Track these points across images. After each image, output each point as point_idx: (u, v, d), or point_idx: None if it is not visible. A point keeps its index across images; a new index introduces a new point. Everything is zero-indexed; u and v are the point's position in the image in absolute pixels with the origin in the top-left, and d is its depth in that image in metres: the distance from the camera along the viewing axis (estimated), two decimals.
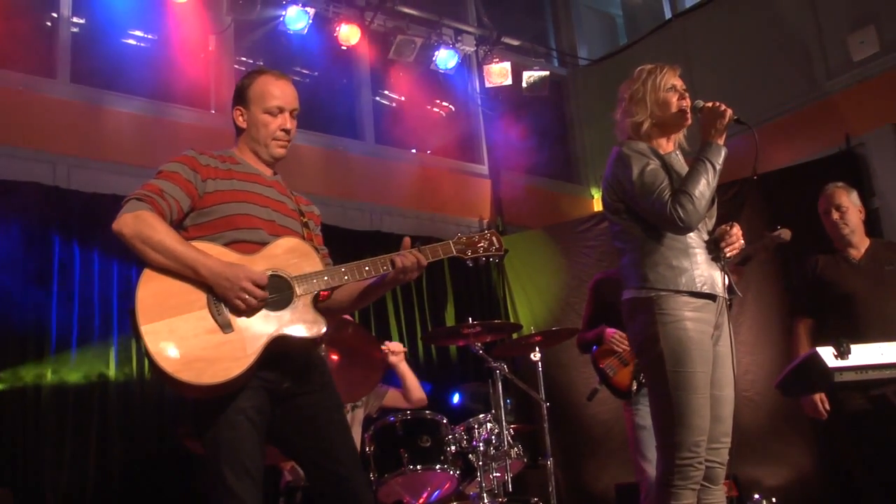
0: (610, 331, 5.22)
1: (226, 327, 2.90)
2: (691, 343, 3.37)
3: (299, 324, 3.00)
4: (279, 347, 2.96)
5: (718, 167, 3.46)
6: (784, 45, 8.06)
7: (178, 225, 3.07)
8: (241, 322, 2.92)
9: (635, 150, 3.57)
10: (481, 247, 3.41)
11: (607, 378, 5.21)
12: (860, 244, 4.98)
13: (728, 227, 3.59)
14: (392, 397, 5.66)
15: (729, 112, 3.48)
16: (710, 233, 3.65)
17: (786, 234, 4.94)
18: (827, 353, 3.86)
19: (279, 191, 3.31)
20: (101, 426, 5.91)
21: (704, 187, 3.41)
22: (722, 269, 3.56)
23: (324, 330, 3.03)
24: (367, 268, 3.14)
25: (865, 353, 3.88)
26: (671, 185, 3.46)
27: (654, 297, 3.43)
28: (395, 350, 5.59)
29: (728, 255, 3.57)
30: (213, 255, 2.95)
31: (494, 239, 3.45)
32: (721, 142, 3.50)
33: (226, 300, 2.91)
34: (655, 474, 3.51)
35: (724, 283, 3.53)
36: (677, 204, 3.38)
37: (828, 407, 4.77)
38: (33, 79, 6.72)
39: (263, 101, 3.25)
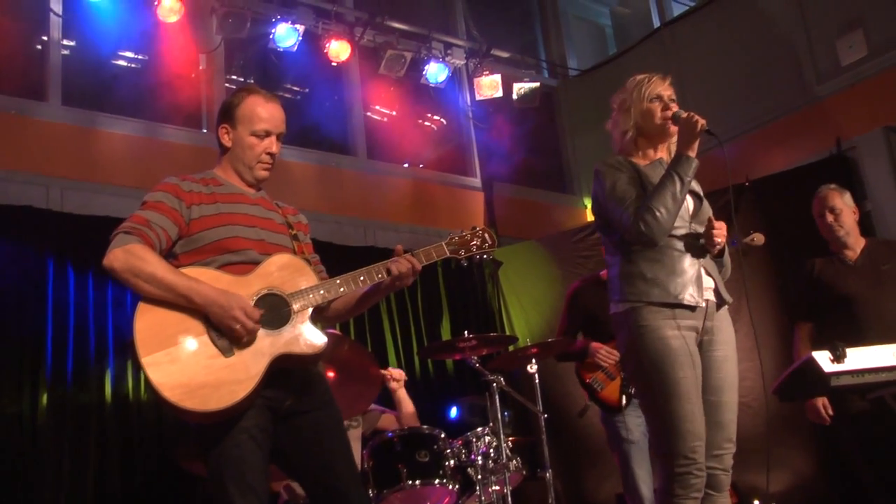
0: (595, 345, 5.21)
1: (226, 351, 2.90)
2: (670, 351, 3.38)
3: (299, 340, 3.01)
4: (281, 365, 2.96)
5: (687, 179, 3.45)
6: (773, 50, 8.09)
7: (167, 253, 3.07)
8: (241, 344, 2.92)
9: (609, 164, 3.62)
10: (474, 245, 3.43)
11: (594, 393, 5.19)
12: (856, 245, 4.98)
13: (708, 224, 3.60)
14: (386, 421, 5.66)
15: (701, 122, 3.48)
16: (699, 236, 3.64)
17: (759, 238, 4.94)
18: (823, 358, 3.85)
19: (265, 207, 3.30)
20: (98, 449, 5.87)
21: (669, 201, 3.41)
22: (709, 274, 3.56)
23: (324, 344, 3.04)
24: (362, 277, 3.16)
25: (861, 357, 3.87)
26: (641, 198, 3.47)
27: (630, 310, 3.47)
28: (396, 377, 5.65)
29: (715, 247, 3.57)
30: (205, 280, 2.95)
31: (487, 235, 3.47)
32: (692, 153, 3.50)
33: (220, 326, 2.91)
34: (654, 486, 3.51)
35: (704, 290, 3.52)
36: (640, 219, 3.41)
37: (831, 412, 4.78)
38: (25, 102, 6.72)
39: (251, 124, 3.23)
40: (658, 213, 3.39)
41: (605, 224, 3.65)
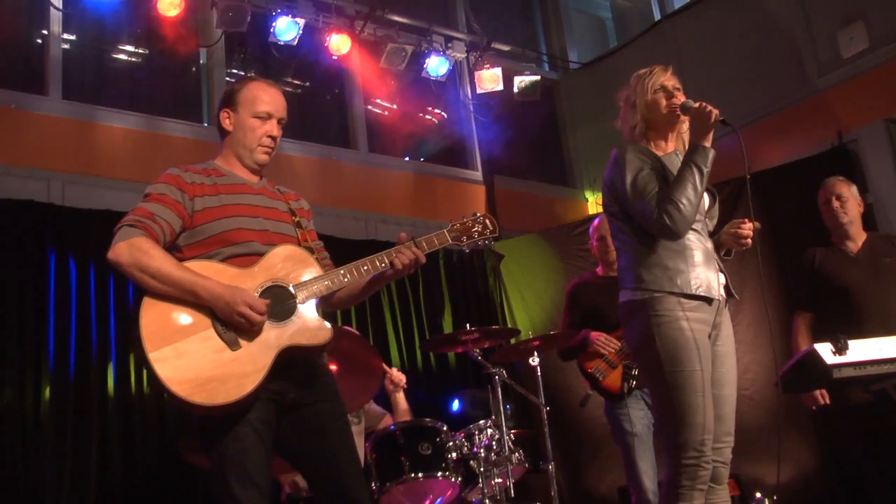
0: (595, 334, 5.19)
1: (233, 344, 2.90)
2: (687, 342, 3.37)
3: (305, 332, 3.01)
4: (286, 357, 2.96)
5: (706, 170, 3.44)
6: (774, 43, 8.09)
7: (171, 246, 3.06)
8: (247, 337, 2.92)
9: (633, 153, 3.56)
10: (476, 231, 3.42)
11: (597, 382, 5.18)
12: (857, 237, 5.00)
13: (740, 223, 3.60)
14: (387, 423, 5.67)
15: (715, 113, 3.46)
16: (711, 233, 3.65)
17: (756, 224, 4.92)
18: (825, 350, 3.86)
19: (269, 196, 3.30)
20: (100, 443, 5.87)
21: (691, 193, 3.39)
22: (721, 271, 3.56)
23: (330, 336, 3.04)
24: (365, 267, 3.16)
25: (863, 349, 3.88)
26: (664, 190, 3.45)
27: (649, 299, 3.44)
28: (396, 381, 5.64)
29: (742, 246, 3.58)
30: (210, 274, 2.95)
31: (488, 221, 3.46)
32: (708, 143, 3.48)
33: (227, 321, 2.91)
34: (659, 478, 3.50)
35: (719, 285, 3.53)
36: (664, 212, 3.38)
37: (828, 400, 4.79)
38: (25, 96, 6.71)
39: (253, 106, 3.24)
40: (682, 206, 3.36)
41: (622, 211, 3.59)
